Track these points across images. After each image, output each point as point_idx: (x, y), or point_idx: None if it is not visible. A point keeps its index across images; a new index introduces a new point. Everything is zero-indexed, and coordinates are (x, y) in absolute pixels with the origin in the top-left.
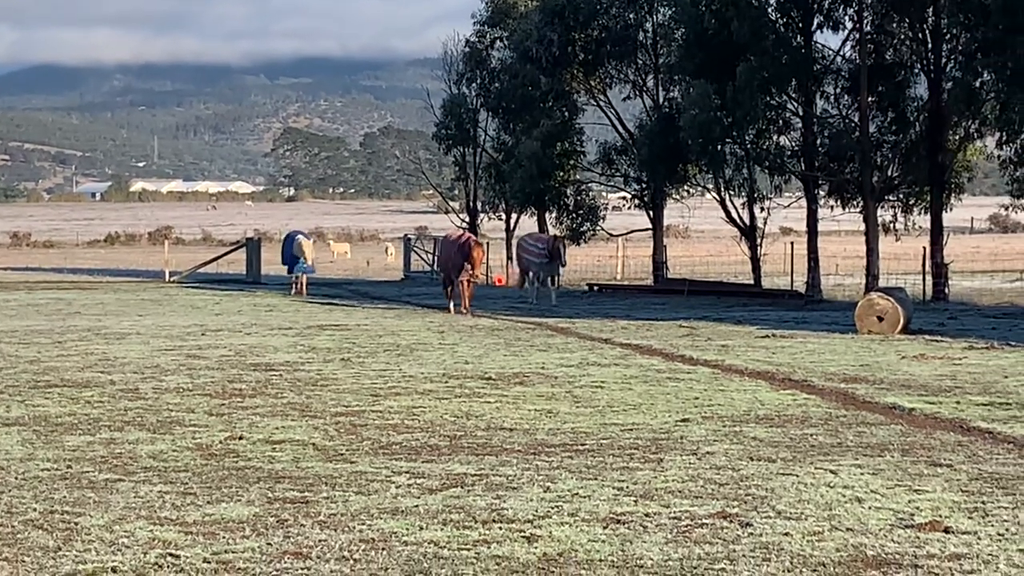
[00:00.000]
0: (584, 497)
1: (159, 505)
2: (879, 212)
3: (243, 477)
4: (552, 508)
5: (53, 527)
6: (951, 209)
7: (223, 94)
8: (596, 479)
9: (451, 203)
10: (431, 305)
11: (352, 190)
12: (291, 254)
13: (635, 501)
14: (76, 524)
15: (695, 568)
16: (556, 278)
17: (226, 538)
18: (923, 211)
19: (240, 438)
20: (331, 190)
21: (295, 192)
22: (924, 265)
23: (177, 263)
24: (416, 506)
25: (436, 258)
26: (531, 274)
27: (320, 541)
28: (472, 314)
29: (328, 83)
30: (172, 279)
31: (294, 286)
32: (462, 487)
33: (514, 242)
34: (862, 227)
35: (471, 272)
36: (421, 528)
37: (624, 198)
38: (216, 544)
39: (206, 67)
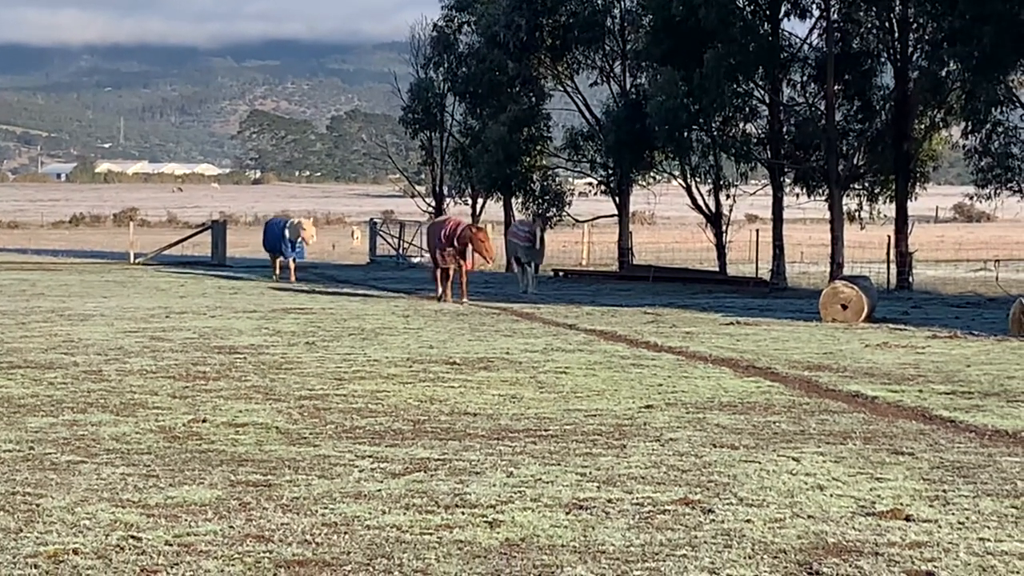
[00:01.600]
0: (547, 483)
1: (121, 487)
2: (844, 200)
3: (206, 460)
4: (515, 493)
5: (14, 509)
6: (916, 198)
7: (190, 76)
8: (559, 465)
9: (417, 187)
10: (396, 289)
11: (318, 173)
12: (286, 238)
13: (598, 487)
14: (38, 506)
15: (657, 554)
16: (536, 265)
17: (188, 521)
18: (888, 200)
19: (203, 421)
20: (297, 173)
21: (261, 175)
22: (888, 254)
23: (142, 245)
24: (379, 490)
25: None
26: (518, 261)
27: (282, 524)
28: (442, 301)
29: (295, 66)
30: (137, 261)
31: (278, 270)
32: (425, 472)
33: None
34: (827, 215)
35: (485, 257)
36: (384, 512)
37: (590, 184)
38: (178, 527)
39: (173, 48)
